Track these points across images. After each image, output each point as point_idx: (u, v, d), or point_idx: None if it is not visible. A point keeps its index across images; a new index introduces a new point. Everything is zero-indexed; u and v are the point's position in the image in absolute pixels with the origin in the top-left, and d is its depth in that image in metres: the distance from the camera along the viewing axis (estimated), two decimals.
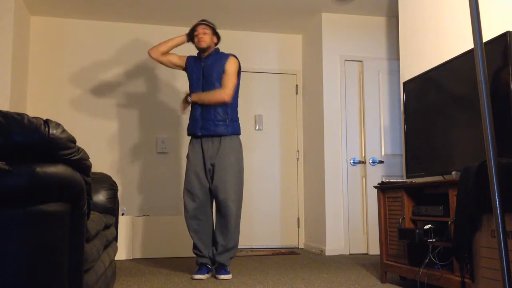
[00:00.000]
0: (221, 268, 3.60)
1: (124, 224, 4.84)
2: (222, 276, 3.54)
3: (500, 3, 3.09)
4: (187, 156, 3.80)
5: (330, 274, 3.70)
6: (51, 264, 1.47)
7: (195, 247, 3.72)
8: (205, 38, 3.77)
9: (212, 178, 3.67)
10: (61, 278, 1.51)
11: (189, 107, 3.86)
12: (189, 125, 3.81)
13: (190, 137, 3.86)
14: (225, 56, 3.78)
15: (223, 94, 3.66)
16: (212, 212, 3.77)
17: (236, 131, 3.75)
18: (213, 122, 3.68)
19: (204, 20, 3.85)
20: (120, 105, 5.55)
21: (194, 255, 3.74)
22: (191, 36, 3.88)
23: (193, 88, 3.79)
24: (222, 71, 3.72)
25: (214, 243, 3.70)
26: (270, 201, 5.79)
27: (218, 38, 3.89)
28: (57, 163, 1.51)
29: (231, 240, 3.63)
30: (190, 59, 3.90)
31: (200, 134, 3.70)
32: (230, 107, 3.74)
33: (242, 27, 5.82)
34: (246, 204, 5.68)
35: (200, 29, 3.78)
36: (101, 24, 5.60)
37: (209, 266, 3.67)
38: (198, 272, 3.60)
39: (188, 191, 3.70)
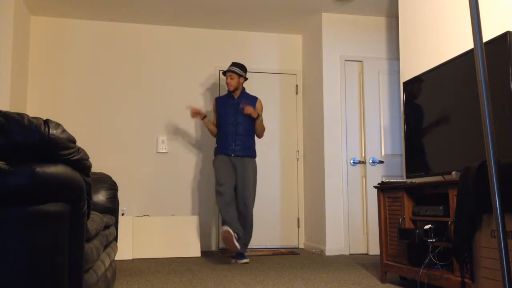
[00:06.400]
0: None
1: (124, 224, 4.84)
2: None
3: (500, 3, 3.09)
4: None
5: (330, 274, 3.70)
6: (51, 264, 1.47)
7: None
8: (232, 83, 4.67)
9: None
10: (61, 278, 1.51)
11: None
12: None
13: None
14: (254, 98, 4.75)
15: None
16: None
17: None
18: None
19: (232, 66, 4.67)
20: (120, 105, 5.55)
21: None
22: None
23: (223, 119, 4.65)
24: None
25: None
26: (270, 201, 5.79)
27: (245, 78, 4.76)
28: (57, 163, 1.51)
29: None
30: (219, 99, 4.80)
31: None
32: None
33: (242, 27, 5.82)
34: None
35: (228, 76, 4.68)
36: (101, 24, 5.60)
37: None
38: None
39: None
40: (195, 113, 4.71)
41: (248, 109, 4.52)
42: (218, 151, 4.67)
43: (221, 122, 4.69)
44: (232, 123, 4.62)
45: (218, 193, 4.51)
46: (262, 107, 4.80)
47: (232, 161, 4.59)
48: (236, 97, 4.70)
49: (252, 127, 4.68)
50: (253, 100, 4.74)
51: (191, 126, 5.66)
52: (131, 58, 5.64)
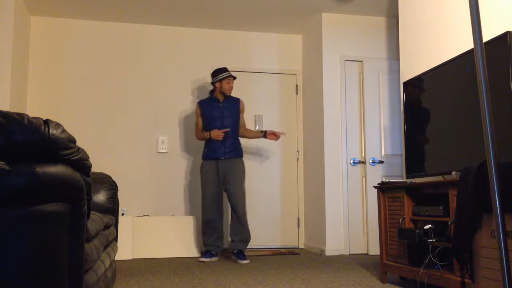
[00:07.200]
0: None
1: (124, 224, 4.84)
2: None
3: (500, 3, 3.09)
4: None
5: (330, 274, 3.70)
6: (51, 264, 1.47)
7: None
8: (232, 87, 4.80)
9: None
10: (61, 278, 1.51)
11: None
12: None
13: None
14: (236, 100, 4.86)
15: None
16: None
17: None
18: None
19: (229, 72, 4.77)
20: (120, 105, 5.55)
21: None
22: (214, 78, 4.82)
23: (210, 123, 4.73)
24: (238, 111, 4.84)
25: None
26: (270, 201, 5.79)
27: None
28: (57, 163, 1.51)
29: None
30: (203, 103, 4.85)
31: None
32: None
33: (242, 27, 5.82)
34: (246, 204, 5.68)
35: (231, 81, 4.78)
36: (101, 24, 5.60)
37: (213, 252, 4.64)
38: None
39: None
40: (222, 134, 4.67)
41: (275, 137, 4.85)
42: (207, 155, 4.75)
43: (208, 126, 4.76)
44: (219, 127, 4.71)
45: (204, 208, 4.71)
46: (244, 108, 4.96)
47: (220, 166, 4.70)
48: (221, 100, 4.80)
49: (237, 128, 4.80)
50: (236, 102, 4.85)
51: (191, 126, 5.66)
52: (130, 58, 5.64)
